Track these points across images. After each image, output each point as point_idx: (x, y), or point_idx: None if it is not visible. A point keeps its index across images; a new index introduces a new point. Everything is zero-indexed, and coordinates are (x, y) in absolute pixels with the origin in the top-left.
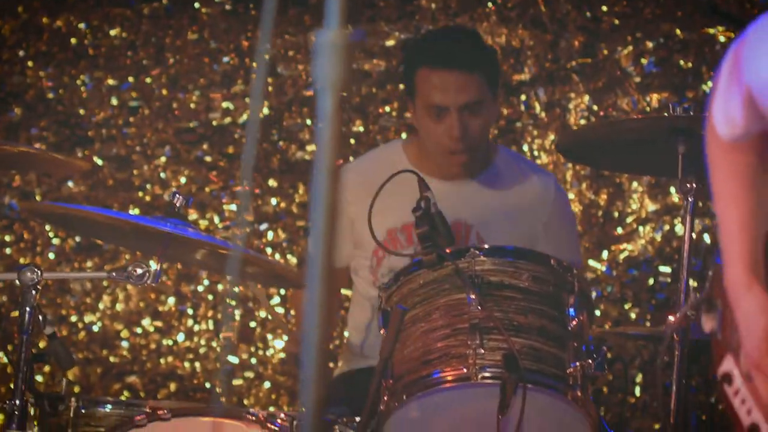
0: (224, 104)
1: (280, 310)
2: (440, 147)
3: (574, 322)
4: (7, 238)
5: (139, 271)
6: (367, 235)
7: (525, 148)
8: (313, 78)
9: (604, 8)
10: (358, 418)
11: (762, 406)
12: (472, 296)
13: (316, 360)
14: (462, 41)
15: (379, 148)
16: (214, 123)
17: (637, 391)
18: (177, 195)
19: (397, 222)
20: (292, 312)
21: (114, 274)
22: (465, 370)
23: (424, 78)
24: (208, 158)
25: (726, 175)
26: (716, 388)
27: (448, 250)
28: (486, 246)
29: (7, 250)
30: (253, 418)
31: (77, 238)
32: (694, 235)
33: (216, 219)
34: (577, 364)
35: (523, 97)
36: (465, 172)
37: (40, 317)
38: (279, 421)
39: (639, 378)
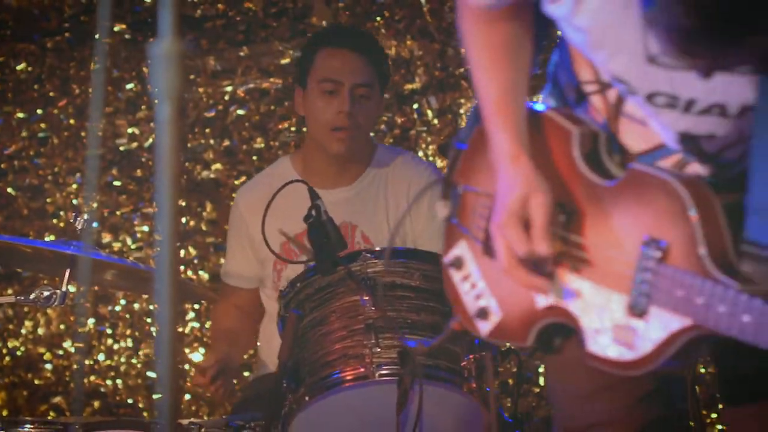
0: (130, 130)
1: (195, 324)
2: (328, 124)
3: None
4: None
5: (46, 293)
6: (266, 250)
7: (420, 154)
8: (150, 87)
9: None
10: (264, 422)
11: (495, 285)
12: (366, 298)
13: (169, 371)
14: (363, 34)
15: (269, 166)
16: (122, 148)
17: (542, 380)
18: (77, 217)
19: (291, 232)
20: (207, 325)
21: (22, 298)
22: (363, 369)
23: (324, 56)
24: (117, 183)
25: (482, 44)
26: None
27: (340, 255)
28: (377, 248)
29: None
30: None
31: None
32: None
33: (128, 240)
34: (471, 357)
35: (415, 106)
36: (347, 176)
37: None
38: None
39: (542, 368)
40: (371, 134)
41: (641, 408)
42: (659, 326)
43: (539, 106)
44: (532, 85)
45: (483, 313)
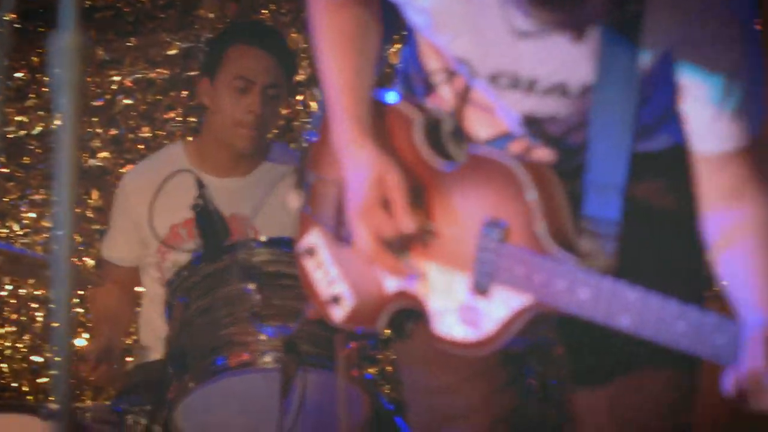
0: (18, 118)
1: (80, 309)
2: (235, 121)
3: None
4: None
5: None
6: (149, 234)
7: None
8: (49, 79)
9: None
10: (149, 407)
11: (346, 271)
12: (250, 286)
13: (65, 356)
14: (276, 34)
15: (161, 150)
16: (10, 136)
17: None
18: None
19: (179, 218)
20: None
21: None
22: (247, 356)
23: (237, 53)
24: (5, 170)
25: (329, 30)
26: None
27: (226, 244)
28: (262, 238)
29: None
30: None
31: None
32: None
33: (15, 227)
34: (351, 345)
35: (300, 98)
36: (242, 167)
37: None
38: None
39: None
40: None
41: (499, 398)
42: (502, 305)
43: (391, 96)
44: (380, 79)
45: (336, 300)
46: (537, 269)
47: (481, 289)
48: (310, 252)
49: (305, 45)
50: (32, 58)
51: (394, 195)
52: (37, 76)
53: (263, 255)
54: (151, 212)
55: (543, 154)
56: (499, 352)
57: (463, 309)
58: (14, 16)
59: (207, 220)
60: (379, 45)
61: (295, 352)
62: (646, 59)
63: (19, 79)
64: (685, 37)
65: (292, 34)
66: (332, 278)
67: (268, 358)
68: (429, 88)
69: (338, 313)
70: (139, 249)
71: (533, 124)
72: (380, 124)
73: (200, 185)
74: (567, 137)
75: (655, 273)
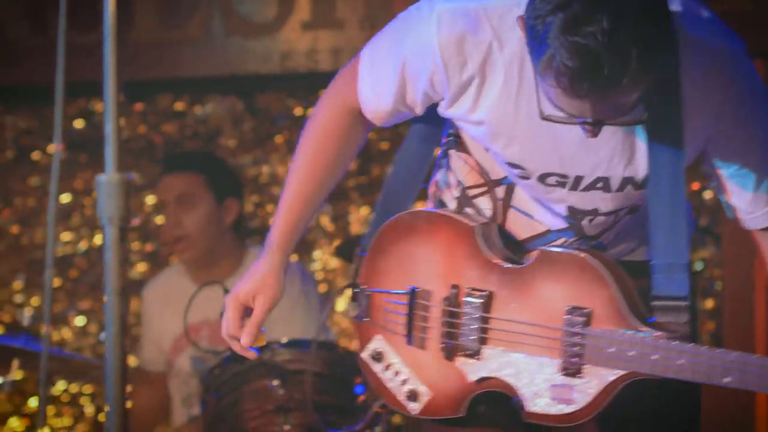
0: (65, 236)
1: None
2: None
3: (362, 398)
4: None
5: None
6: (166, 340)
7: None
8: (98, 213)
9: None
10: None
11: (420, 369)
12: (275, 383)
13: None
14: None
15: (169, 267)
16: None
17: None
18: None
19: (199, 319)
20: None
21: None
22: None
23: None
24: (57, 283)
25: (324, 137)
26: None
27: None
28: (284, 340)
29: None
30: None
31: None
32: None
33: (67, 333)
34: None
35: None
36: (217, 273)
37: None
38: None
39: None
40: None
41: None
42: (594, 379)
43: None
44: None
45: (413, 396)
46: (629, 346)
47: (571, 371)
48: (377, 357)
49: None
50: (74, 183)
51: (256, 313)
52: (80, 198)
53: (285, 355)
54: (185, 316)
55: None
56: None
57: (556, 389)
58: (63, 146)
59: None
60: (345, 169)
61: None
62: (690, 154)
63: (65, 202)
64: (718, 135)
65: None
66: (405, 377)
67: None
68: (466, 200)
69: (415, 407)
70: (158, 354)
71: (574, 217)
72: (435, 231)
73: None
74: (600, 236)
75: None
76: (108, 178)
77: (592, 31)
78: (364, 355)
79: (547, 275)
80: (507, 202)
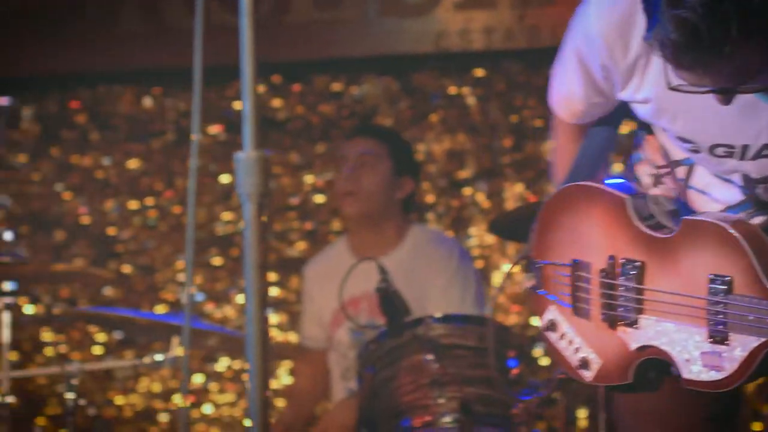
0: (224, 215)
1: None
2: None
3: (515, 371)
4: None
5: (158, 357)
6: (327, 315)
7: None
8: (236, 189)
9: None
10: None
11: (588, 338)
12: (429, 357)
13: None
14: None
15: (331, 243)
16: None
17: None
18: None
19: (359, 292)
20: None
21: (139, 361)
22: (429, 417)
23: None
24: (217, 262)
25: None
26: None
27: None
28: (438, 315)
29: (62, 348)
30: None
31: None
32: None
33: (229, 311)
34: (519, 405)
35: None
36: (383, 245)
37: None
38: None
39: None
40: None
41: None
42: (739, 347)
43: (617, 183)
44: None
45: (585, 364)
46: (766, 314)
47: (717, 338)
48: (552, 326)
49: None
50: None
51: None
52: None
53: (439, 329)
54: (341, 290)
55: (760, 221)
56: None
57: (706, 356)
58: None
59: (389, 301)
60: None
61: (470, 412)
62: None
63: (225, 183)
64: None
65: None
66: (578, 345)
67: (447, 419)
68: (657, 180)
69: (587, 374)
70: (320, 331)
71: (750, 186)
72: (592, 204)
73: (382, 271)
74: None
75: None
76: (246, 156)
77: (692, 3)
78: (541, 325)
79: (691, 244)
80: (686, 183)
